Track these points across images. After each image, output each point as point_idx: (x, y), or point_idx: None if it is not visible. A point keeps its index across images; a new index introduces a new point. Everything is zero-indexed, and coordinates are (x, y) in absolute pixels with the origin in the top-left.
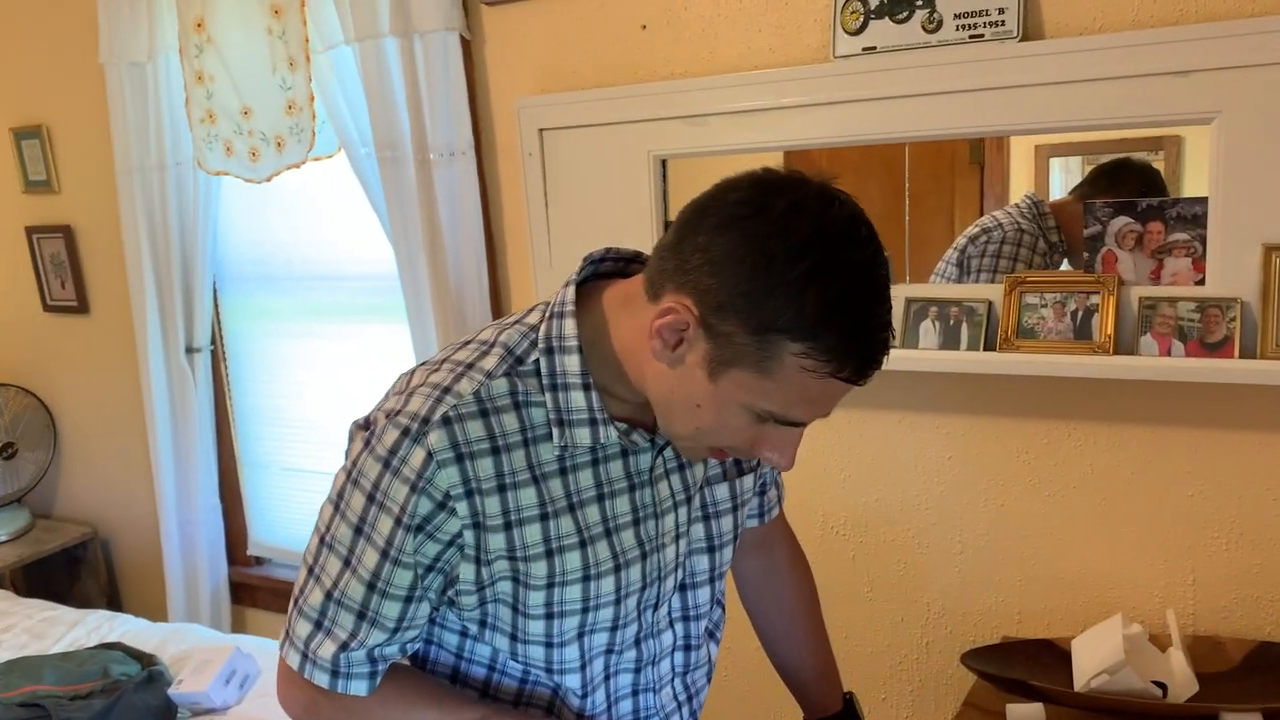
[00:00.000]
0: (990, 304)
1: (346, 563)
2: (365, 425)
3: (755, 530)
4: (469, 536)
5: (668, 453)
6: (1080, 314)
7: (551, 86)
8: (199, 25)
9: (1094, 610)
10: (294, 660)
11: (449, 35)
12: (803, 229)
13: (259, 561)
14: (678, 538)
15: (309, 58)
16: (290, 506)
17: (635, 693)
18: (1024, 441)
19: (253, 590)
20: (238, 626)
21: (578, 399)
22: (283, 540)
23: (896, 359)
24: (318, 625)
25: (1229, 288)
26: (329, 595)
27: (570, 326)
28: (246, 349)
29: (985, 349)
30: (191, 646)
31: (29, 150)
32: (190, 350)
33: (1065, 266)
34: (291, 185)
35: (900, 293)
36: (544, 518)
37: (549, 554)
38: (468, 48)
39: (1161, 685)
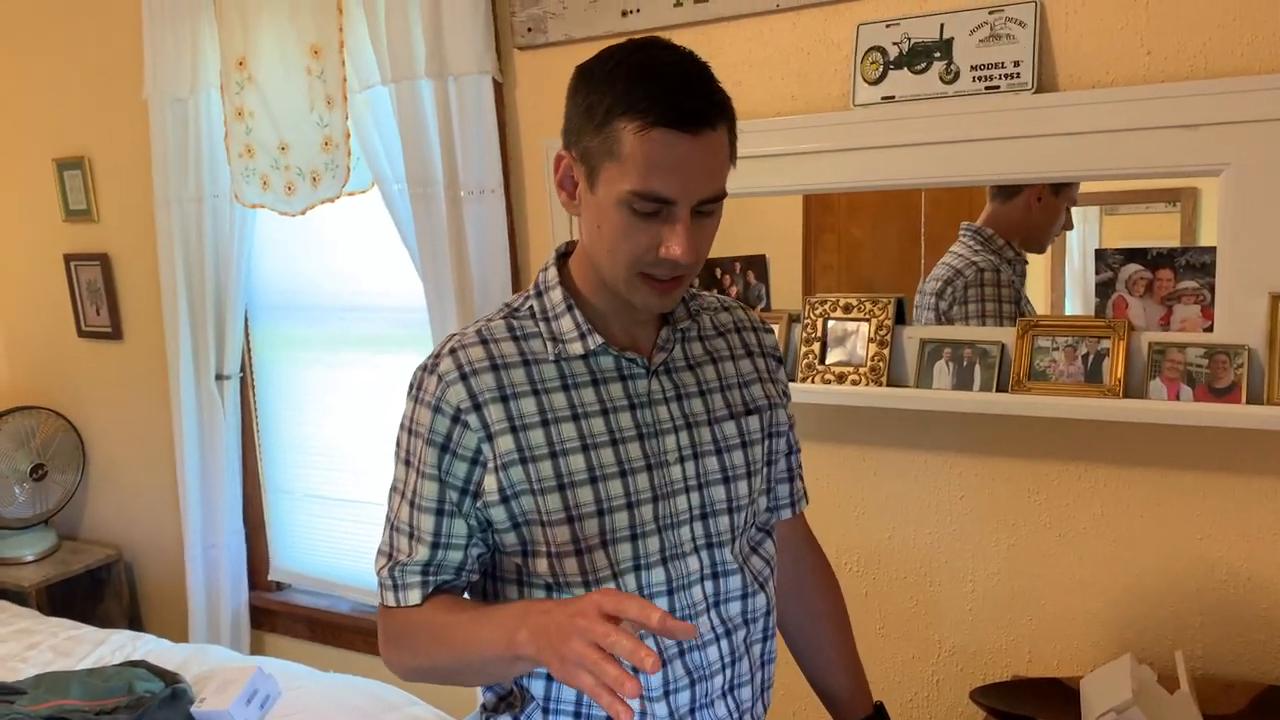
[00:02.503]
0: (1003, 346)
1: (401, 493)
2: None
3: (784, 535)
4: (486, 450)
5: (663, 379)
6: (1091, 358)
7: None
8: (240, 63)
9: (1103, 650)
10: (380, 593)
11: (482, 78)
12: (615, 51)
13: (280, 587)
14: (682, 459)
15: (346, 97)
16: (313, 532)
17: None
18: (1035, 482)
19: (273, 615)
20: (256, 651)
21: (566, 323)
22: (304, 566)
23: (911, 399)
24: (389, 556)
25: (1237, 335)
26: (392, 526)
27: (553, 273)
28: (275, 377)
29: (998, 390)
30: (214, 666)
31: (70, 180)
32: (220, 377)
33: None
34: (324, 219)
35: (915, 334)
36: (545, 424)
37: (552, 455)
38: (499, 90)
39: None
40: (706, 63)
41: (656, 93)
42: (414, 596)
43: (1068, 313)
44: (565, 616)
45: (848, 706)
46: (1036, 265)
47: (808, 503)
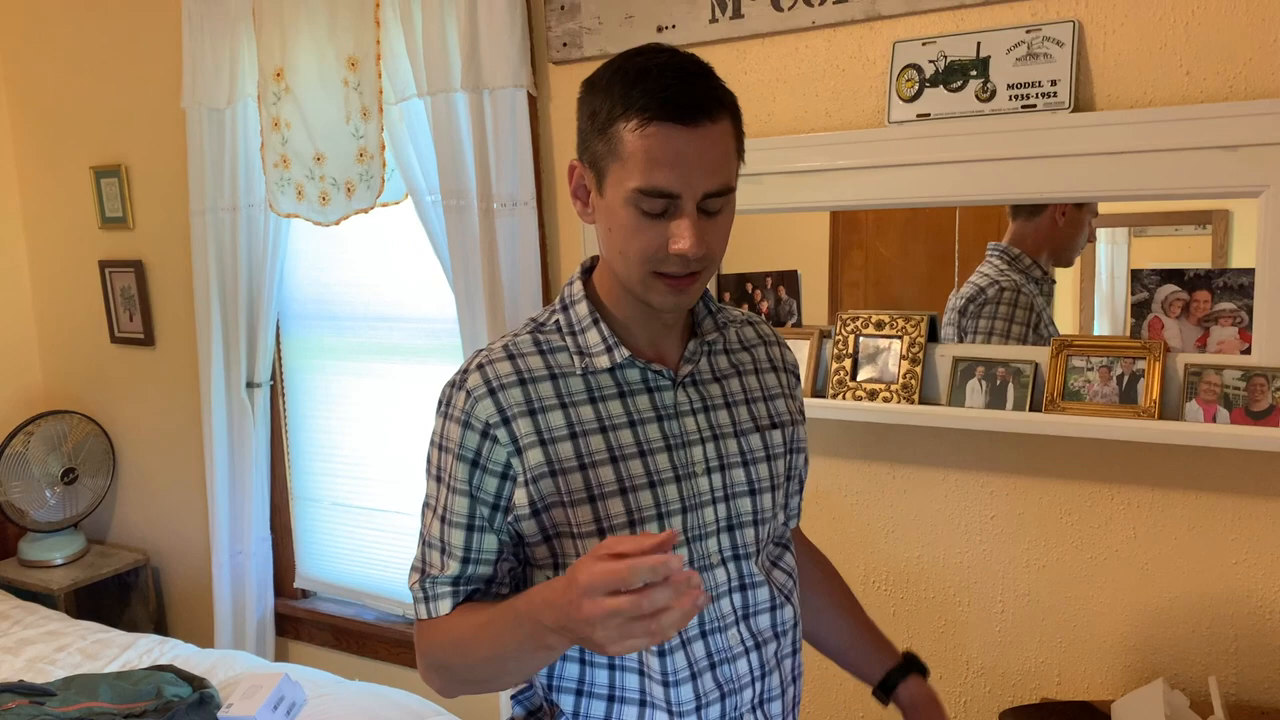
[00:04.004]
0: (1036, 365)
1: (433, 509)
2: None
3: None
4: (515, 464)
5: (690, 391)
6: (1126, 378)
7: None
8: (278, 74)
9: (1135, 674)
10: (414, 607)
11: (517, 92)
12: (615, 59)
13: (305, 594)
14: (709, 470)
15: (382, 108)
16: (339, 540)
17: (704, 634)
18: (1068, 503)
19: (297, 623)
20: (281, 658)
21: (593, 336)
22: (330, 574)
23: (943, 417)
24: (421, 571)
25: (1275, 357)
26: (424, 541)
27: (578, 287)
28: (304, 385)
29: (1031, 410)
30: (241, 672)
31: (107, 188)
32: (251, 385)
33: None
34: (357, 229)
35: (947, 352)
36: (574, 436)
37: (582, 468)
38: (533, 103)
39: None
40: (706, 63)
41: (651, 89)
42: (444, 607)
43: (1096, 333)
44: (572, 594)
45: (876, 665)
46: (1065, 286)
47: (799, 517)
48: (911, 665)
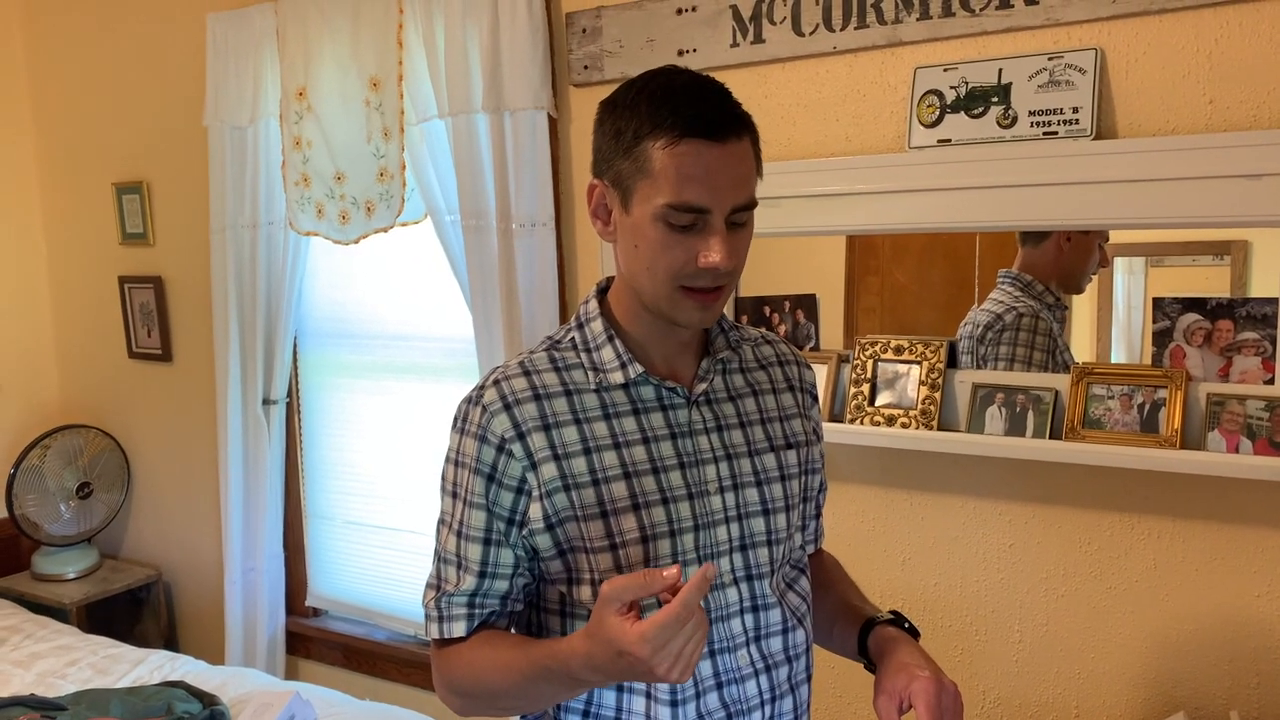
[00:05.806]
0: (1057, 393)
1: (448, 525)
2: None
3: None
4: (530, 479)
5: (704, 410)
6: (1147, 407)
7: None
8: (300, 94)
9: (1155, 708)
10: (425, 625)
11: (537, 113)
12: (635, 80)
13: (316, 613)
14: (722, 489)
15: (403, 129)
16: (351, 559)
17: (713, 653)
18: (1087, 532)
19: (308, 641)
20: (291, 676)
21: (607, 353)
22: (342, 593)
23: (962, 443)
24: (436, 588)
25: None
26: (440, 558)
27: (593, 305)
28: (320, 402)
29: (1051, 437)
30: (251, 690)
31: (129, 204)
32: (267, 402)
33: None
34: (375, 248)
35: (967, 378)
36: (587, 452)
37: (595, 483)
38: (554, 125)
39: None
40: (721, 83)
41: (680, 108)
42: (459, 628)
43: (1114, 362)
44: (617, 664)
45: (854, 635)
46: (1081, 315)
47: (824, 538)
48: (875, 620)
